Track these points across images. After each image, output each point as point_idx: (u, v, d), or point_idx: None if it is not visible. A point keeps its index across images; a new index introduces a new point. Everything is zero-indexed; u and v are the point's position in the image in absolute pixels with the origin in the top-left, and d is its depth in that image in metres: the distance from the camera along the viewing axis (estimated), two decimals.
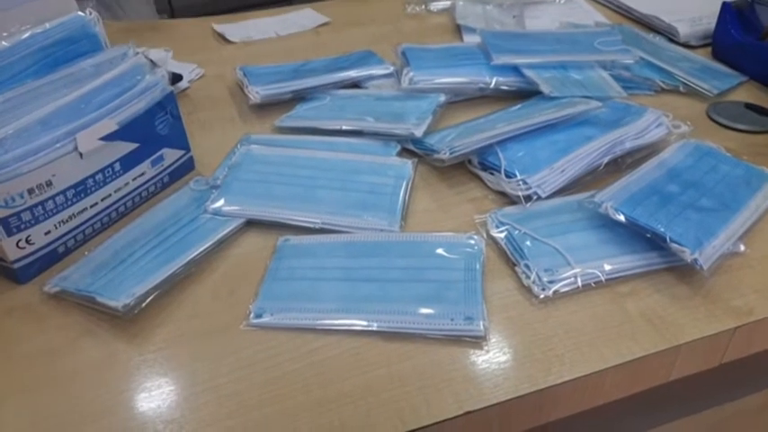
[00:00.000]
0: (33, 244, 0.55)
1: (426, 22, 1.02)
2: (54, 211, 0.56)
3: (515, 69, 0.78)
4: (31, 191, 0.53)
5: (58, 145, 0.54)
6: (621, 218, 0.54)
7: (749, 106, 0.76)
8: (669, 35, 0.93)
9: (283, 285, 0.54)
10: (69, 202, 0.57)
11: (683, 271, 0.53)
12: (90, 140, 0.56)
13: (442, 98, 0.75)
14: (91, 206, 0.59)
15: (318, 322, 0.50)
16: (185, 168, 0.69)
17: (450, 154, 0.63)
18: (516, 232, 0.56)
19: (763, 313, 0.50)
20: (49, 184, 0.54)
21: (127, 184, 0.62)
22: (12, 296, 0.55)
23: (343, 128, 0.72)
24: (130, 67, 0.61)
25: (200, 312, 0.53)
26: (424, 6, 1.05)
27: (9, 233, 0.53)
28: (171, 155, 0.66)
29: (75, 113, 0.56)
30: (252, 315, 0.51)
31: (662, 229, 0.52)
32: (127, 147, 0.60)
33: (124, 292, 0.51)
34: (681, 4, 0.95)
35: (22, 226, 0.54)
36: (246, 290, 0.54)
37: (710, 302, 0.51)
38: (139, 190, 0.64)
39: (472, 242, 0.56)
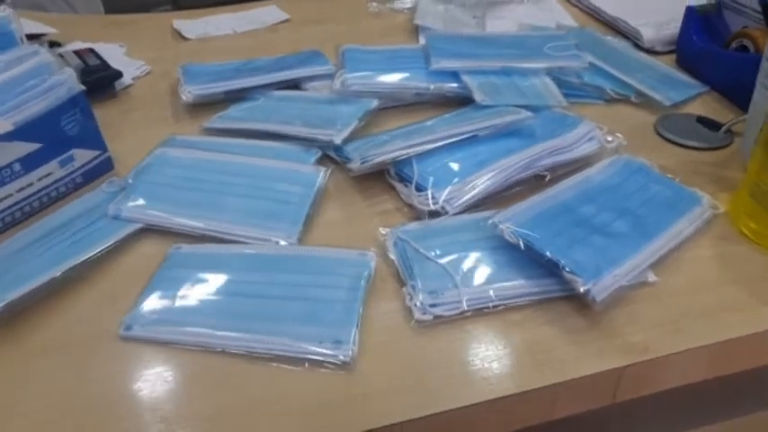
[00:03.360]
0: None
1: (388, 21, 0.99)
2: None
3: (456, 75, 0.74)
4: None
5: None
6: (518, 241, 0.51)
7: (701, 120, 0.72)
8: (634, 39, 0.88)
9: (163, 296, 0.52)
10: None
11: (581, 301, 0.50)
12: None
13: (374, 103, 0.73)
14: None
15: (185, 338, 0.48)
16: (102, 169, 0.67)
17: (362, 163, 0.61)
18: (411, 250, 0.53)
19: (657, 351, 0.47)
20: None
21: (31, 184, 0.61)
22: None
23: (268, 131, 0.70)
24: (34, 65, 0.60)
25: (78, 320, 0.51)
26: (387, 4, 1.02)
27: None
28: (83, 155, 0.65)
29: None
30: (122, 326, 0.49)
31: (557, 256, 0.49)
32: (27, 147, 0.59)
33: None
34: (649, 7, 0.90)
35: None
36: (128, 299, 0.52)
37: (605, 337, 0.48)
38: (47, 190, 0.63)
39: (364, 259, 0.53)
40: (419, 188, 0.59)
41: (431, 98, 0.75)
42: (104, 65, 0.84)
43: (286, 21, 1.02)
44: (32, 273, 0.53)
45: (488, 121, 0.64)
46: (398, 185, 0.62)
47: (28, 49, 0.62)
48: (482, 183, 0.58)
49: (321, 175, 0.63)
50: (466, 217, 0.57)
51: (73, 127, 0.63)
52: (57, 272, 0.53)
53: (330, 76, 0.79)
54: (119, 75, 0.83)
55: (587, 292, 0.47)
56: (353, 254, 0.54)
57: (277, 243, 0.56)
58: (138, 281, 0.54)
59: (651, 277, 0.51)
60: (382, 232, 0.57)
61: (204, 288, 0.52)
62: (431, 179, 0.60)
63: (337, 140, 0.66)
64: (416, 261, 0.52)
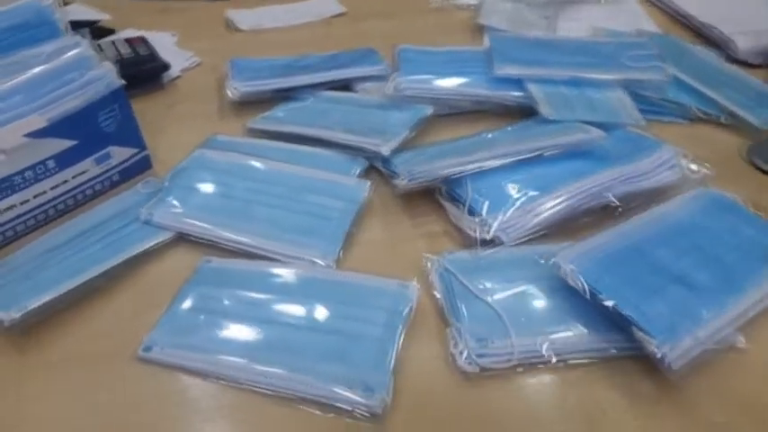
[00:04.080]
0: None
1: (449, 18, 0.93)
2: None
3: (521, 83, 0.68)
4: None
5: None
6: (583, 287, 0.44)
7: None
8: (726, 50, 0.79)
9: (186, 316, 0.48)
10: None
11: (654, 364, 0.43)
12: (12, 137, 0.53)
13: (428, 111, 0.67)
14: (21, 203, 0.56)
15: (204, 367, 0.44)
16: (139, 167, 0.64)
17: (409, 181, 0.56)
18: (458, 285, 0.48)
19: None
20: None
21: (65, 181, 0.58)
22: None
23: (313, 136, 0.65)
24: (73, 59, 0.57)
25: (98, 334, 0.48)
26: (450, 0, 0.95)
27: None
28: (120, 153, 0.62)
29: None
30: (141, 347, 0.46)
31: (627, 309, 0.42)
32: (62, 144, 0.56)
33: (17, 305, 0.48)
34: (744, 13, 0.80)
35: None
36: (152, 314, 0.49)
37: (681, 413, 0.41)
38: (82, 188, 0.60)
39: (405, 292, 0.48)
40: (471, 212, 0.54)
41: (491, 107, 0.69)
42: (153, 56, 0.81)
43: (342, 14, 0.97)
44: (54, 280, 0.50)
45: (554, 139, 0.58)
46: (448, 206, 0.56)
47: (69, 41, 0.59)
48: (544, 211, 0.52)
49: (365, 189, 0.58)
50: (522, 250, 0.51)
51: (110, 123, 0.60)
52: (79, 281, 0.50)
53: (383, 78, 0.74)
54: (166, 67, 0.80)
55: (662, 356, 0.40)
56: (393, 284, 0.49)
57: (312, 263, 0.52)
58: (164, 294, 0.50)
59: (740, 342, 0.44)
60: (428, 260, 0.52)
61: (232, 310, 0.48)
62: (485, 203, 0.54)
63: (385, 152, 0.60)
64: (463, 299, 0.47)
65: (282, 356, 0.44)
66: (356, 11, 0.97)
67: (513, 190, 0.55)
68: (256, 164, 0.61)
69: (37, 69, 0.55)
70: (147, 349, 0.46)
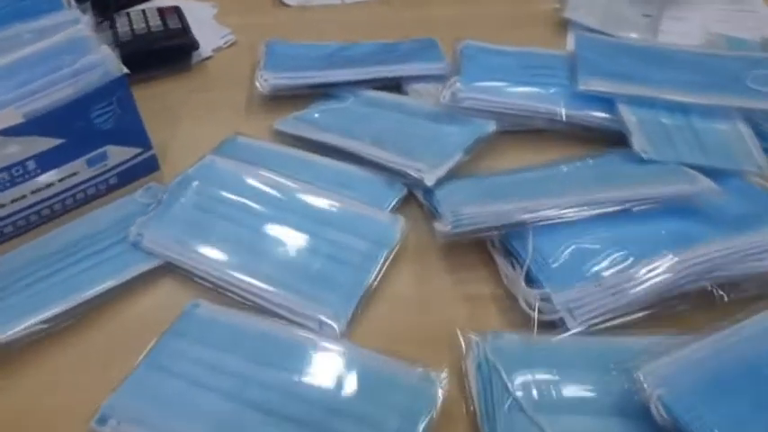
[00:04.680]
0: None
1: (529, 6, 0.78)
2: None
3: (610, 101, 0.54)
4: None
5: None
6: (669, 421, 0.32)
7: None
8: None
9: (155, 380, 0.39)
10: None
11: None
12: None
13: (491, 128, 0.54)
14: None
15: None
16: (144, 169, 0.55)
17: (453, 228, 0.44)
18: (498, 385, 0.36)
19: None
20: None
21: (50, 185, 0.50)
22: None
23: (346, 150, 0.54)
24: (65, 40, 0.48)
25: (58, 384, 0.40)
26: None
27: None
28: (119, 153, 0.53)
29: None
30: (96, 417, 0.37)
31: None
32: (44, 142, 0.48)
33: None
34: None
35: None
36: (124, 363, 0.40)
37: None
38: (72, 192, 0.51)
39: (429, 389, 0.37)
40: (530, 277, 0.42)
41: (569, 129, 0.55)
42: (184, 30, 0.71)
43: None
44: (15, 313, 0.42)
45: (648, 187, 0.44)
46: (502, 263, 0.45)
47: (68, 16, 0.50)
48: (628, 288, 0.39)
49: (398, 230, 0.46)
50: (592, 342, 0.39)
51: (107, 120, 0.50)
52: (43, 316, 0.42)
53: (441, 79, 0.61)
54: (194, 46, 0.70)
55: None
56: (415, 375, 0.37)
57: (320, 323, 0.41)
58: (142, 339, 0.41)
59: None
60: (465, 338, 0.40)
61: (207, 379, 0.39)
62: (551, 266, 0.41)
63: (428, 181, 0.49)
64: (503, 408, 0.35)
65: None
66: None
67: (588, 254, 0.42)
68: (273, 182, 0.51)
69: (19, 52, 0.46)
70: (102, 421, 0.37)
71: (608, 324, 0.39)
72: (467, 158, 0.53)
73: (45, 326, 0.42)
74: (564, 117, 0.54)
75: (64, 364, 0.41)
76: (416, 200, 0.51)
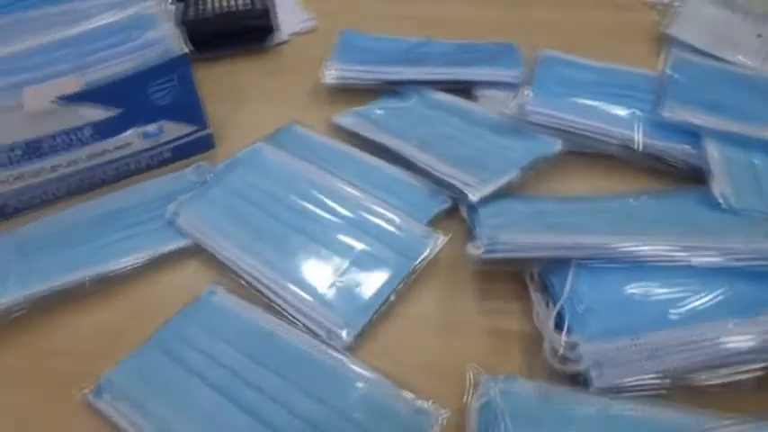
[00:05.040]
0: None
1: (628, 16, 0.71)
2: None
3: (694, 134, 0.48)
4: None
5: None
6: None
7: None
8: None
9: (155, 361, 0.39)
10: (17, 161, 0.48)
11: None
12: (41, 99, 0.46)
13: (557, 147, 0.50)
14: (51, 168, 0.50)
15: None
16: (198, 147, 0.56)
17: (486, 252, 0.40)
18: None
19: None
20: None
21: (104, 152, 0.51)
22: None
23: (398, 153, 0.52)
24: (131, 15, 0.49)
25: (63, 349, 0.41)
26: None
27: None
28: (174, 129, 0.53)
29: (33, 62, 0.46)
30: (94, 390, 0.38)
31: None
32: (102, 112, 0.49)
33: None
34: None
35: None
36: (134, 337, 0.40)
37: None
38: (126, 161, 0.53)
39: (422, 420, 0.34)
40: (561, 321, 0.37)
41: (643, 158, 0.50)
42: (266, 12, 0.71)
43: None
44: (47, 273, 0.44)
45: (721, 239, 0.39)
46: (536, 297, 0.41)
47: None
48: (673, 353, 0.34)
49: (429, 246, 0.44)
50: (619, 409, 0.34)
51: (164, 95, 0.51)
52: (72, 279, 0.43)
53: (514, 87, 0.57)
54: (270, 29, 0.70)
55: None
56: (412, 407, 0.35)
57: (328, 331, 0.40)
58: (157, 315, 0.42)
59: None
60: (476, 375, 0.37)
61: (204, 368, 0.38)
62: (587, 312, 0.37)
63: (473, 197, 0.45)
64: None
65: None
66: None
67: (633, 305, 0.37)
68: (314, 178, 0.49)
69: (85, 25, 0.47)
70: (98, 393, 0.38)
71: (642, 392, 0.35)
72: (524, 176, 0.49)
73: (67, 289, 0.43)
74: (640, 145, 0.48)
75: (77, 331, 0.42)
76: (461, 214, 0.48)
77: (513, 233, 0.41)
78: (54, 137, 0.48)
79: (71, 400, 0.38)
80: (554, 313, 0.38)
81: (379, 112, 0.58)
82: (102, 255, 0.45)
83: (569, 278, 0.39)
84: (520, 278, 0.42)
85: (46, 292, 0.42)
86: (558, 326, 0.38)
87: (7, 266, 0.45)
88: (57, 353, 0.41)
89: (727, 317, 0.36)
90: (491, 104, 0.57)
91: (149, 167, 0.54)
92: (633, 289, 0.38)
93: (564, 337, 0.37)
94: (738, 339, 0.35)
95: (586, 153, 0.52)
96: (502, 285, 0.43)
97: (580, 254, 0.39)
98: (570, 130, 0.51)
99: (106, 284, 0.44)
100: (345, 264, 0.43)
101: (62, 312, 0.43)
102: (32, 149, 0.48)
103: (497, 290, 0.43)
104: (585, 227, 0.41)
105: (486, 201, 0.46)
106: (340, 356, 0.38)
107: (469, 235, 0.45)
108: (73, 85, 0.46)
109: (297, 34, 0.73)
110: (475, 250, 0.41)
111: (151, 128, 0.52)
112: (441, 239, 0.44)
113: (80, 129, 0.49)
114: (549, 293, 0.40)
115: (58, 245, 0.47)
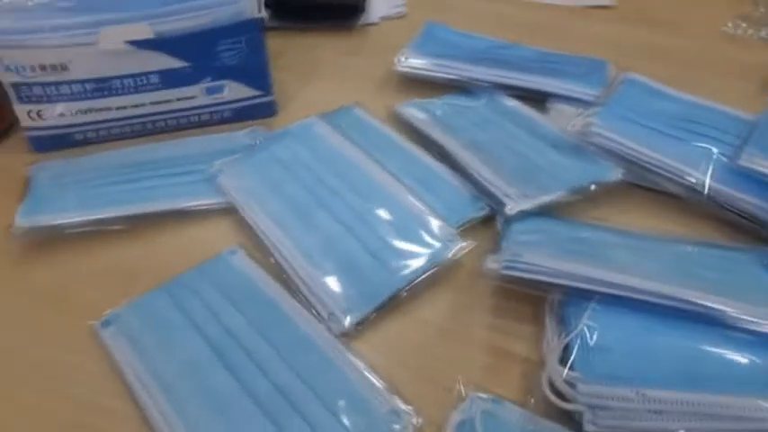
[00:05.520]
0: (45, 120, 0.52)
1: (738, 53, 0.66)
2: (69, 96, 0.51)
3: None
4: (42, 67, 0.49)
5: (78, 32, 0.48)
6: None
7: None
8: None
9: (162, 306, 0.40)
10: (87, 95, 0.51)
11: None
12: (114, 40, 0.48)
13: (617, 176, 0.47)
14: (117, 108, 0.52)
15: (129, 371, 0.36)
16: (259, 111, 0.57)
17: (504, 269, 0.38)
18: None
19: None
20: (64, 68, 0.49)
21: (168, 101, 0.53)
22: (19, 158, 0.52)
23: (446, 150, 0.50)
24: None
25: (84, 282, 0.43)
26: (753, 31, 0.67)
27: (20, 100, 0.51)
28: (237, 90, 0.54)
29: (111, 5, 0.48)
30: (102, 320, 0.39)
31: None
32: (169, 62, 0.51)
33: (35, 216, 0.45)
34: None
35: (34, 98, 0.51)
36: (149, 283, 0.42)
37: None
38: (186, 113, 0.55)
39: (391, 422, 0.33)
40: (567, 355, 0.35)
41: (708, 203, 0.45)
42: None
43: (608, 7, 0.75)
44: (83, 204, 0.46)
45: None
46: (550, 326, 0.38)
47: None
48: (688, 416, 0.31)
49: (451, 251, 0.42)
50: None
51: (232, 56, 0.52)
52: (101, 216, 0.45)
53: (588, 105, 0.54)
54: (359, 9, 0.70)
55: None
56: (386, 407, 0.34)
57: (329, 313, 0.39)
58: (173, 267, 0.43)
59: None
60: (463, 391, 0.35)
61: (205, 326, 0.39)
62: (596, 351, 0.34)
63: (509, 210, 0.43)
64: None
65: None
66: (628, 9, 0.74)
67: (649, 356, 0.34)
68: (355, 161, 0.49)
69: None
70: (105, 324, 0.39)
71: None
72: (573, 199, 0.46)
73: (104, 220, 0.45)
74: (706, 189, 0.44)
75: (100, 264, 0.44)
76: (497, 225, 0.46)
77: (539, 254, 0.38)
78: (122, 78, 0.51)
79: (82, 327, 0.39)
80: (562, 345, 0.36)
81: (442, 107, 0.57)
82: (140, 195, 0.47)
83: (586, 312, 0.36)
84: (539, 302, 0.40)
85: (77, 222, 0.44)
86: (564, 359, 0.35)
87: (67, 189, 0.48)
88: (79, 280, 0.43)
89: (757, 393, 0.32)
90: (560, 119, 0.54)
91: (208, 123, 0.56)
92: (654, 338, 0.35)
93: (565, 371, 0.34)
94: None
95: (647, 187, 0.48)
96: (518, 306, 0.41)
97: (605, 290, 0.36)
98: (634, 159, 0.47)
99: (137, 224, 0.46)
100: (364, 251, 0.42)
101: (91, 243, 0.45)
102: (102, 87, 0.51)
103: (513, 309, 0.41)
104: (621, 263, 0.38)
105: (523, 216, 0.44)
106: (334, 340, 0.38)
107: (498, 247, 0.43)
108: (144, 31, 0.48)
109: (385, 18, 0.73)
110: (494, 264, 0.39)
111: (215, 85, 0.53)
112: (464, 246, 0.42)
113: (148, 75, 0.51)
114: (562, 323, 0.37)
115: (102, 180, 0.49)
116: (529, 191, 0.45)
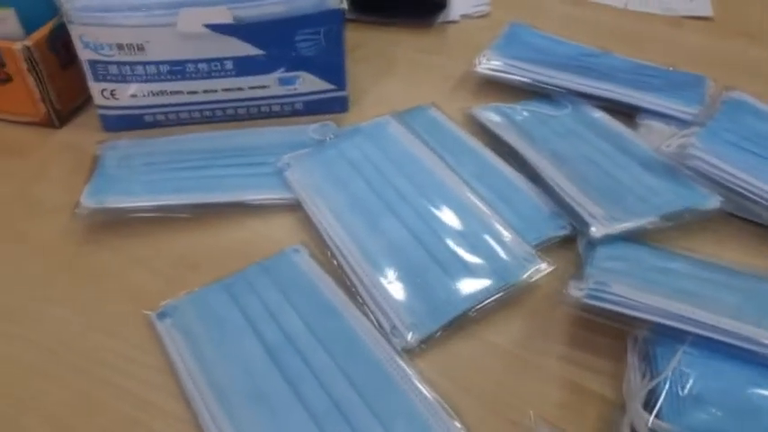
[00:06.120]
0: (118, 99, 0.52)
1: None
2: (143, 77, 0.50)
3: None
4: (120, 46, 0.48)
5: (158, 12, 0.47)
6: None
7: None
8: None
9: (220, 302, 0.39)
10: (162, 77, 0.50)
11: None
12: (192, 22, 0.47)
13: (713, 204, 0.43)
14: (189, 92, 0.52)
15: (187, 370, 0.35)
16: (331, 106, 0.55)
17: (587, 298, 0.35)
18: None
19: None
20: (141, 48, 0.48)
21: (240, 89, 0.52)
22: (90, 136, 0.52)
23: (527, 161, 0.47)
24: None
25: (143, 269, 0.42)
26: None
27: (95, 78, 0.51)
28: (310, 82, 0.53)
29: None
30: (159, 311, 0.38)
31: None
32: (245, 48, 0.49)
33: (101, 197, 0.44)
34: None
35: (109, 77, 0.50)
36: (208, 276, 0.40)
37: None
38: (258, 102, 0.53)
39: None
40: (654, 399, 0.32)
41: None
42: None
43: (705, 19, 0.70)
44: (147, 189, 0.45)
45: None
46: (633, 364, 0.34)
47: None
48: None
49: (527, 271, 0.39)
50: None
51: (309, 47, 0.50)
52: (164, 202, 0.44)
53: (684, 124, 0.50)
54: (442, 6, 0.67)
55: None
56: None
57: (392, 326, 0.37)
58: (235, 261, 0.41)
59: None
60: (537, 420, 0.33)
61: (262, 326, 0.37)
62: (688, 400, 0.31)
63: (595, 233, 0.40)
64: None
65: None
66: (727, 19, 0.69)
67: (748, 411, 0.30)
68: (428, 165, 0.46)
69: None
70: (162, 316, 0.38)
71: None
72: (664, 227, 0.42)
73: (166, 208, 0.44)
74: None
75: (162, 251, 0.43)
76: (578, 247, 0.43)
77: (627, 285, 0.35)
78: (197, 62, 0.50)
79: (138, 315, 0.38)
80: (648, 388, 0.32)
81: (524, 113, 0.54)
82: (207, 184, 0.46)
83: (678, 354, 0.33)
84: (621, 337, 0.36)
85: (141, 206, 0.44)
86: (649, 404, 0.32)
87: (135, 172, 0.47)
88: (139, 266, 0.42)
89: None
90: (651, 137, 0.50)
91: (279, 114, 0.55)
92: (758, 393, 0.31)
93: (651, 419, 0.31)
94: None
95: (747, 219, 0.44)
96: (598, 338, 0.37)
97: (700, 331, 0.33)
98: (735, 188, 0.43)
99: (202, 213, 0.45)
100: (432, 261, 0.40)
101: (154, 229, 0.44)
102: (176, 70, 0.50)
103: (592, 342, 0.37)
104: (716, 302, 0.34)
105: (609, 240, 0.40)
106: (395, 355, 0.35)
107: (579, 272, 0.40)
108: (223, 15, 0.47)
109: (467, 17, 0.70)
110: (577, 291, 0.36)
111: (289, 76, 0.52)
112: (543, 267, 0.39)
113: (222, 60, 0.50)
114: (649, 364, 0.34)
115: (169, 166, 0.48)
116: (616, 213, 0.42)
